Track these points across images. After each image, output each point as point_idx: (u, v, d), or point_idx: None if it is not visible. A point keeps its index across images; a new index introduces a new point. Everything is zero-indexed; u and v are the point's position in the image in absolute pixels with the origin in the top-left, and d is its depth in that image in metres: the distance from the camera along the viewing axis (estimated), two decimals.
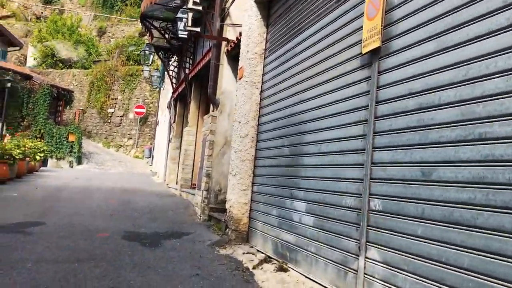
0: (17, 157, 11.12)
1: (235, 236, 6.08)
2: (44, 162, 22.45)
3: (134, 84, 27.12)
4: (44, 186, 10.97)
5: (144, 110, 25.83)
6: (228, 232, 6.23)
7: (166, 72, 18.34)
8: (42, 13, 39.29)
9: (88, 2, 39.19)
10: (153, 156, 22.92)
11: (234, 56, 7.80)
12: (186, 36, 7.84)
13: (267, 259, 5.05)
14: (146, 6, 10.14)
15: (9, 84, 13.64)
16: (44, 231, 5.77)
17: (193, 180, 10.72)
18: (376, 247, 3.23)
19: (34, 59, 31.87)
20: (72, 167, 22.14)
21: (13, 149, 11.03)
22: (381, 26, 3.35)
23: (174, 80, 13.48)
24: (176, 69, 13.61)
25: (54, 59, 30.77)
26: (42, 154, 14.67)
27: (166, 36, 10.75)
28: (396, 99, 3.19)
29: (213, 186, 7.73)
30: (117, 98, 27.48)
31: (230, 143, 7.84)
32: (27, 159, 13.56)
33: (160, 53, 13.35)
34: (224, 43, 7.93)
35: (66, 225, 6.30)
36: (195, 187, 10.65)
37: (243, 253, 5.42)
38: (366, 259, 3.32)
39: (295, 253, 4.57)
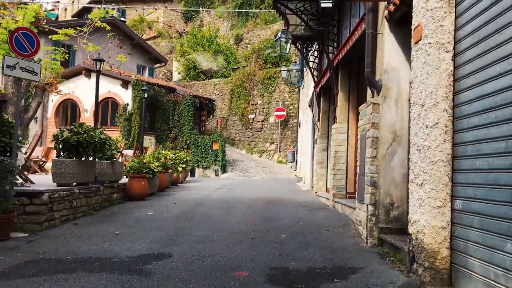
0: (156, 170, 10.42)
1: (430, 277, 4.00)
2: (191, 172, 22.64)
3: (273, 87, 26.15)
4: (183, 200, 10.06)
5: (284, 113, 24.64)
6: (417, 270, 4.17)
7: (305, 66, 16.78)
8: (184, 29, 41.19)
9: (224, 13, 39.95)
10: (296, 160, 21.50)
11: (398, 20, 5.71)
12: (331, 4, 6.01)
13: None
14: None
15: (145, 95, 13.38)
16: (165, 269, 4.38)
17: (348, 187, 8.77)
18: None
19: (178, 73, 33.15)
20: (217, 175, 21.86)
21: (151, 162, 10.35)
22: None
23: (315, 73, 11.72)
24: (316, 60, 11.82)
25: (196, 71, 31.52)
26: (184, 165, 14.12)
27: (304, 17, 9.02)
28: None
29: (381, 199, 5.70)
30: (257, 103, 26.83)
31: (400, 138, 5.76)
32: (170, 171, 13.03)
33: (297, 43, 11.70)
34: (383, 4, 5.88)
35: (195, 257, 4.88)
36: (351, 196, 8.69)
37: None
38: None
39: None
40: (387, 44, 5.85)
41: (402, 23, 5.72)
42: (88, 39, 14.23)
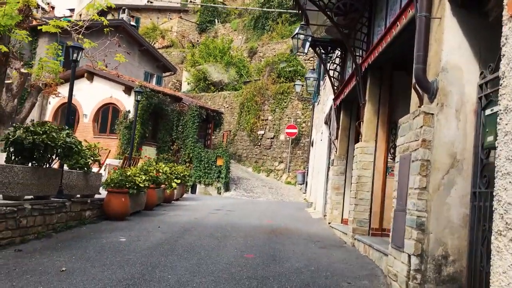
0: (142, 185, 8.80)
1: None
2: (192, 188, 21.01)
3: (285, 102, 24.57)
4: (170, 223, 8.41)
5: (296, 131, 23.00)
6: None
7: (322, 79, 15.22)
8: (198, 40, 40.05)
9: (240, 26, 38.81)
10: (306, 182, 19.79)
11: None
12: None
13: None
14: None
15: (139, 97, 11.87)
16: None
17: (372, 222, 7.06)
18: None
19: (188, 83, 31.84)
20: (220, 193, 20.18)
21: (137, 175, 8.74)
22: None
23: (336, 83, 10.13)
24: (338, 68, 10.24)
25: (206, 82, 30.17)
26: (178, 181, 12.49)
27: (328, 13, 7.48)
28: None
29: (431, 249, 4.01)
30: (267, 119, 25.25)
31: (461, 164, 4.09)
32: (162, 186, 11.42)
33: (317, 48, 10.15)
34: None
35: None
36: (375, 233, 6.99)
37: None
38: None
39: None
40: (448, 33, 4.23)
41: (471, 3, 4.12)
42: (88, 37, 12.89)
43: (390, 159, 7.26)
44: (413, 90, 4.68)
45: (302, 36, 8.30)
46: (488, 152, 3.82)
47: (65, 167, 7.53)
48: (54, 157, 6.41)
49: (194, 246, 6.26)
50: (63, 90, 20.16)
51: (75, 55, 7.76)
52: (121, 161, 13.21)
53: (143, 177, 8.97)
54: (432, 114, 4.16)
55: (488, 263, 3.60)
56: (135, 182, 8.60)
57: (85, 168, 7.45)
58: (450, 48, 4.21)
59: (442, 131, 4.12)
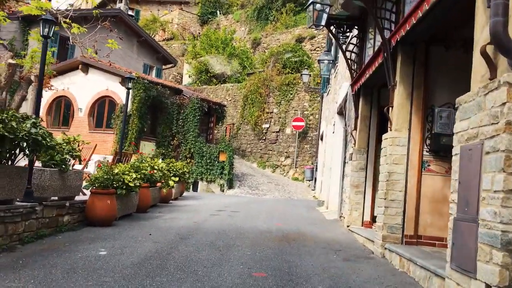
0: (133, 185, 7.60)
1: None
2: (194, 186, 19.88)
3: (291, 94, 23.30)
4: (164, 229, 7.21)
5: (303, 124, 21.77)
6: None
7: (333, 67, 13.93)
8: (199, 33, 38.79)
9: (242, 17, 37.56)
10: (315, 178, 18.58)
11: None
12: None
13: None
14: None
15: (130, 84, 10.62)
16: None
17: (406, 228, 5.84)
18: None
19: (189, 76, 30.62)
20: (223, 191, 18.99)
21: (126, 173, 7.54)
22: None
23: (354, 66, 8.90)
24: (355, 49, 9.02)
25: (208, 74, 28.94)
26: (176, 179, 11.29)
27: None
28: None
29: None
30: (272, 112, 23.99)
31: None
32: (158, 185, 10.23)
33: (332, 27, 8.91)
34: None
35: None
36: (410, 241, 5.78)
37: None
38: None
39: None
40: None
41: None
42: (81, 25, 11.82)
43: (426, 151, 6.04)
44: (477, 58, 3.47)
45: (318, 6, 7.06)
46: None
47: (39, 164, 6.37)
48: (17, 152, 5.24)
49: (190, 261, 5.07)
50: (56, 83, 19.09)
51: (46, 30, 6.58)
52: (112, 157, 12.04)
53: (134, 175, 7.77)
54: None
55: None
56: (123, 181, 7.41)
57: (62, 166, 6.26)
58: None
59: None
